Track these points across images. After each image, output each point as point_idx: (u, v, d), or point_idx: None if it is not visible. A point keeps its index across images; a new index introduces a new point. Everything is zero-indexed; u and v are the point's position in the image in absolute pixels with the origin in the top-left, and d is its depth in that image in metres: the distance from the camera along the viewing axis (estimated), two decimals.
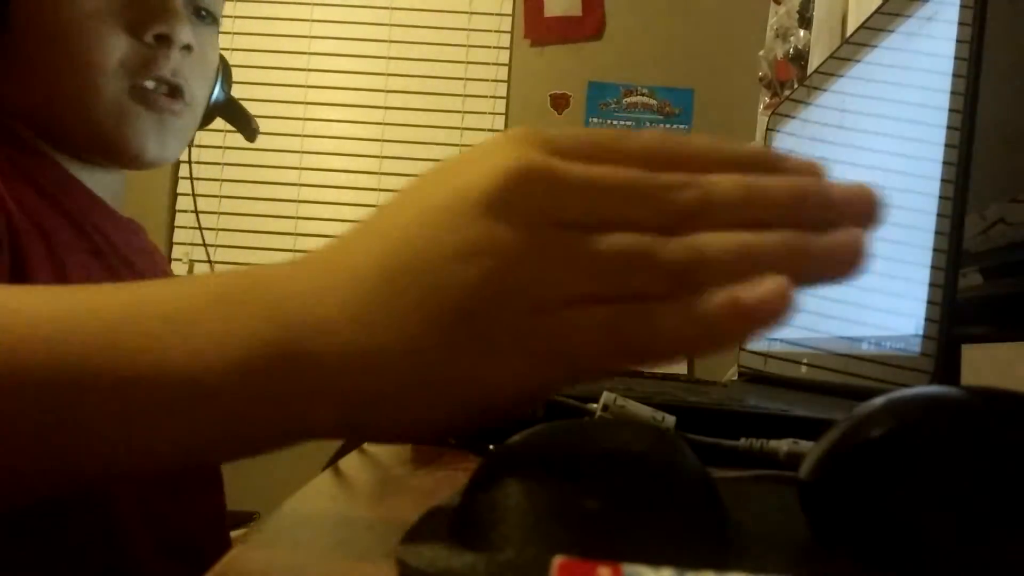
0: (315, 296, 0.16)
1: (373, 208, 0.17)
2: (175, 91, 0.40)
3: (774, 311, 0.13)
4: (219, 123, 0.51)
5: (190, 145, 0.47)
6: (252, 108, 0.51)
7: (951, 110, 0.31)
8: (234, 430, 0.16)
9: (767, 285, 0.13)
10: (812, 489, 0.17)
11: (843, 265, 0.14)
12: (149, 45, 0.39)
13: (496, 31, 1.59)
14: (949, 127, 0.31)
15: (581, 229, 0.14)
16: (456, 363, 0.15)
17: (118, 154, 0.39)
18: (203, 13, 0.42)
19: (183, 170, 1.53)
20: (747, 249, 0.14)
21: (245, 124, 0.50)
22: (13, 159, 0.37)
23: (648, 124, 1.56)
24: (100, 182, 0.41)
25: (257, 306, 0.16)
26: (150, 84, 0.39)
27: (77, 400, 0.16)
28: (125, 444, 0.16)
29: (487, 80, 1.58)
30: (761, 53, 1.21)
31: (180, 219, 1.57)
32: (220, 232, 1.55)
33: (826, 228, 0.15)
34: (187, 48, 0.40)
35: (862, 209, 0.15)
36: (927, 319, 0.30)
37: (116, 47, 0.38)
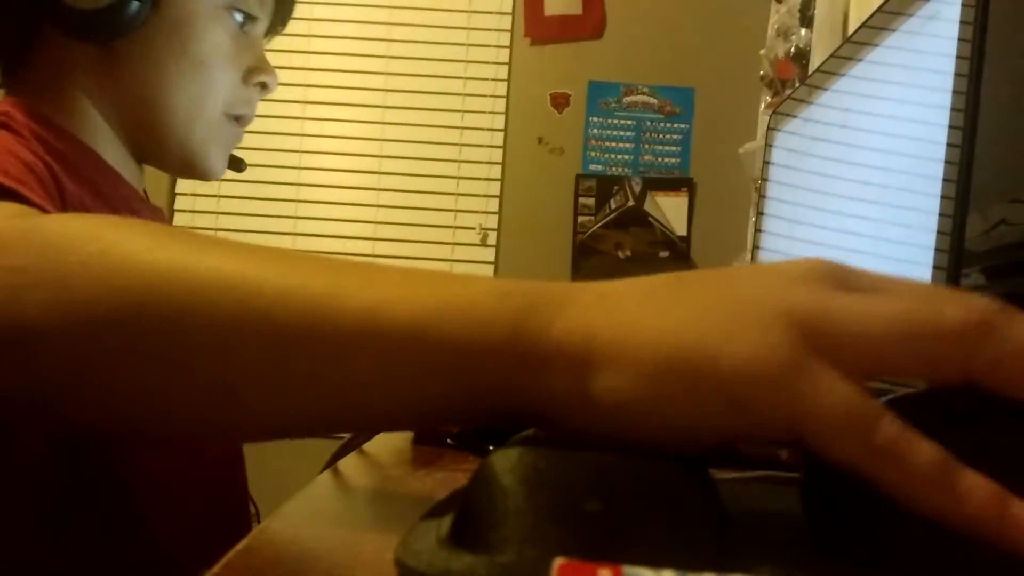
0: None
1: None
2: (242, 119, 0.46)
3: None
4: None
5: None
6: None
7: (953, 109, 0.31)
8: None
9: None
10: (813, 490, 0.17)
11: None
12: (248, 88, 0.45)
13: (496, 30, 1.58)
14: (951, 126, 0.31)
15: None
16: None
17: (196, 168, 0.45)
18: None
19: None
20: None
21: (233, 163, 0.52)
22: (58, 151, 0.38)
23: (649, 123, 1.56)
24: (133, 175, 0.45)
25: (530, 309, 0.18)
26: (232, 116, 0.46)
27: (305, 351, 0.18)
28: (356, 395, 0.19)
29: (487, 79, 1.58)
30: (762, 52, 1.21)
31: (179, 219, 1.57)
32: (219, 232, 1.55)
33: None
34: None
35: None
36: None
37: (227, 84, 0.44)
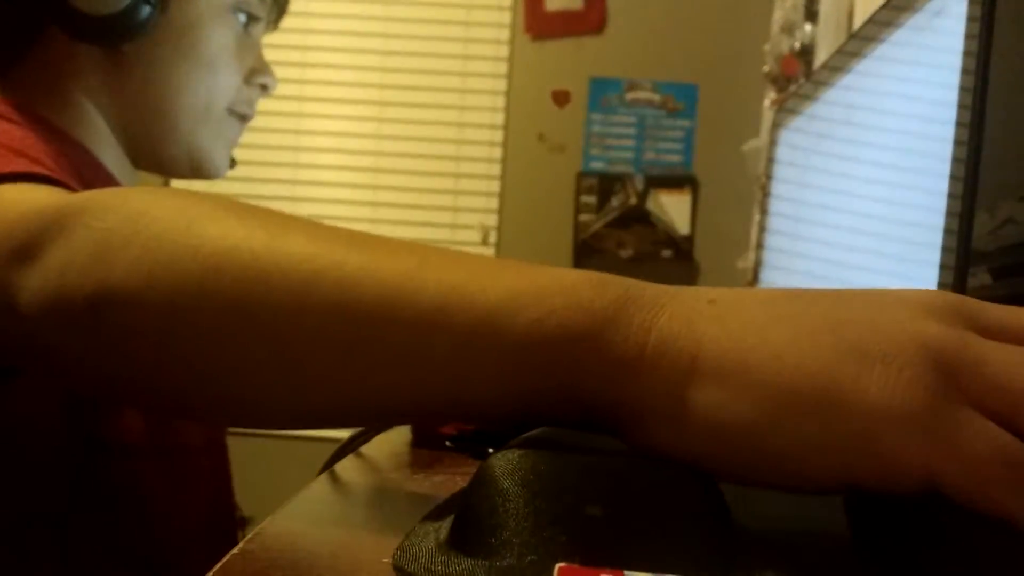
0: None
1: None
2: (244, 118, 0.47)
3: None
4: None
5: None
6: None
7: (960, 106, 0.30)
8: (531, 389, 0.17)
9: None
10: (860, 503, 0.16)
11: None
12: (251, 88, 0.46)
13: (496, 25, 1.58)
14: (958, 123, 0.30)
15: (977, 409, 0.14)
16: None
17: (201, 170, 0.45)
18: None
19: None
20: None
21: None
22: (59, 152, 0.38)
23: (651, 120, 1.56)
24: (129, 182, 0.45)
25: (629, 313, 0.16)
26: (236, 113, 0.46)
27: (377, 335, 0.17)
28: (417, 383, 0.18)
29: (487, 75, 1.58)
30: (766, 47, 1.20)
31: None
32: None
33: None
34: None
35: None
36: None
37: (232, 86, 0.44)
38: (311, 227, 0.20)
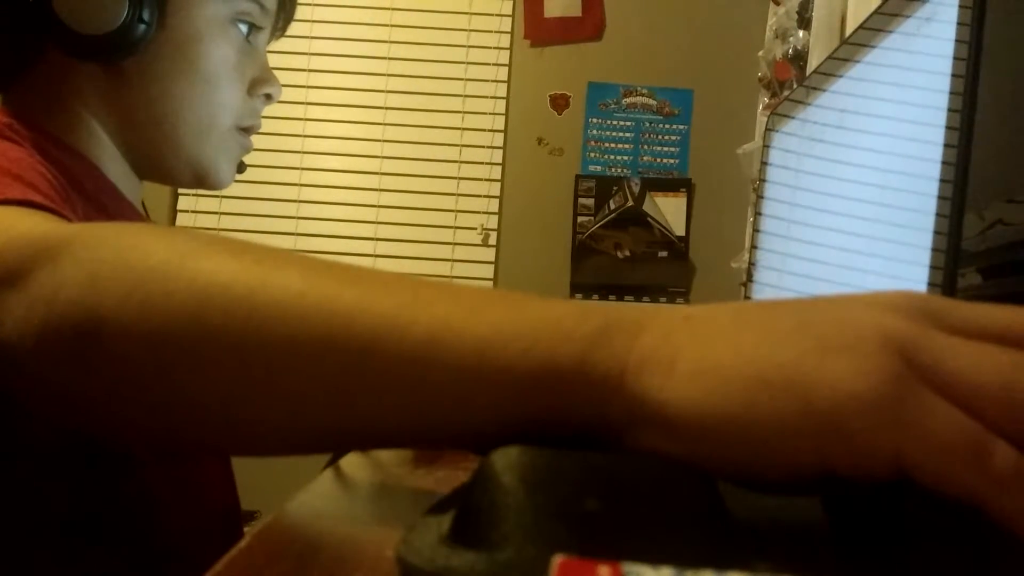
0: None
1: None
2: (250, 130, 0.46)
3: None
4: None
5: None
6: None
7: (950, 110, 0.31)
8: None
9: None
10: (838, 496, 0.16)
11: None
12: (254, 100, 0.45)
13: (496, 31, 1.59)
14: (948, 127, 0.31)
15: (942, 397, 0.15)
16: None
17: (206, 181, 0.45)
18: None
19: None
20: None
21: None
22: (62, 165, 0.38)
23: (648, 124, 1.56)
24: (132, 190, 0.44)
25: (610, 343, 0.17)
26: (243, 126, 0.45)
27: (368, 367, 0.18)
28: (408, 414, 0.18)
29: (487, 80, 1.58)
30: (760, 53, 1.21)
31: (181, 219, 1.57)
32: (221, 232, 1.55)
33: None
34: None
35: None
36: None
37: (235, 98, 0.44)
38: (305, 262, 0.20)
